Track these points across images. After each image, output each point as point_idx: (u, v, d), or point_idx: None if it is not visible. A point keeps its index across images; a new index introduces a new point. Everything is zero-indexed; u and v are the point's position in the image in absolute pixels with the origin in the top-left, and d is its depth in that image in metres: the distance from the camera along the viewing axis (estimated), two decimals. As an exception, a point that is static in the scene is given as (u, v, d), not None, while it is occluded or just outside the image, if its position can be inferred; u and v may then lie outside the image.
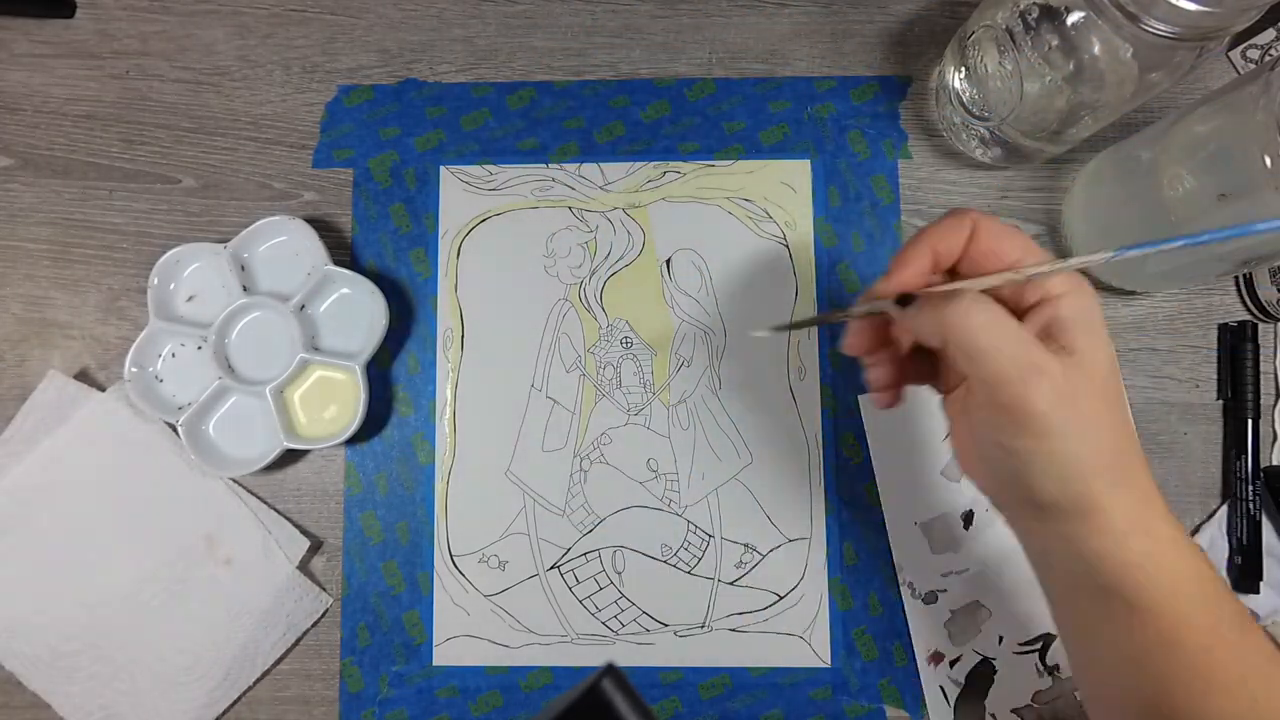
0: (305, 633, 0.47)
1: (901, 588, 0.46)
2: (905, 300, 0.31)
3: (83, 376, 0.48)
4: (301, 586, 0.47)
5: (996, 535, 0.47)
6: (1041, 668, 0.44)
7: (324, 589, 0.47)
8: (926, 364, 0.34)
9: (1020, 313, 0.30)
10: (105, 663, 0.46)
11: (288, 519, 0.47)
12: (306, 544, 0.47)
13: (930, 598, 0.46)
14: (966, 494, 0.47)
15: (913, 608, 0.46)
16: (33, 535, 0.47)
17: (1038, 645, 0.46)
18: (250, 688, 0.46)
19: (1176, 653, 0.29)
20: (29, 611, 0.46)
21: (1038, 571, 0.33)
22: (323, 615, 0.47)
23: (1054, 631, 0.41)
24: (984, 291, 0.30)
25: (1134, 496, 0.29)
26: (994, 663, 0.46)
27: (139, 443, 0.47)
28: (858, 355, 0.34)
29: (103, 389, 0.48)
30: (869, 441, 0.47)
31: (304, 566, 0.47)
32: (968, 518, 0.47)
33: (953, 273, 0.32)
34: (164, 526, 0.47)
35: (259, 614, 0.46)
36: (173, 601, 0.46)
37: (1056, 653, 0.46)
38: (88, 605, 0.46)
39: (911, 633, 0.46)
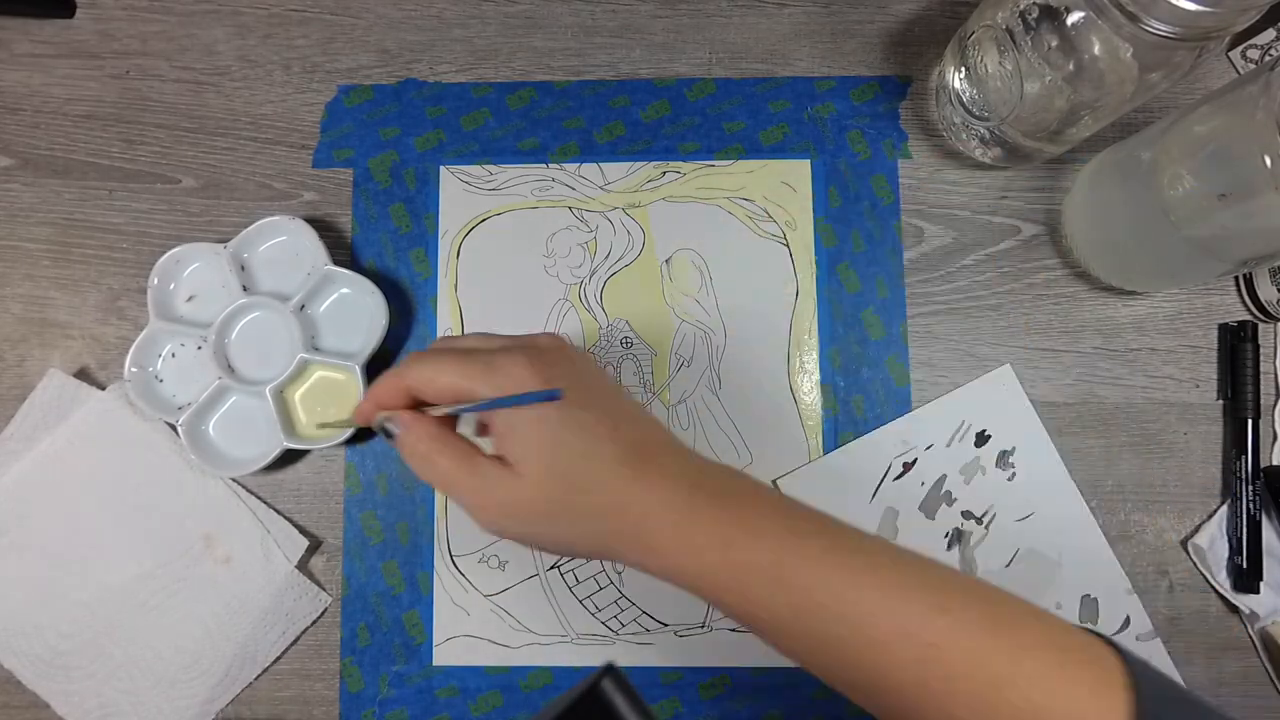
0: (304, 632, 0.47)
1: None
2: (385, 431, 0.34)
3: (83, 376, 0.48)
4: (300, 586, 0.47)
5: (987, 547, 0.46)
6: None
7: (324, 589, 0.47)
8: None
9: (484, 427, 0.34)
10: (104, 661, 0.46)
11: (287, 519, 0.47)
12: (305, 543, 0.47)
13: None
14: (951, 519, 0.47)
15: None
16: (32, 534, 0.47)
17: None
18: (249, 686, 0.46)
19: (741, 621, 0.32)
20: (28, 610, 0.46)
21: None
22: (321, 614, 0.47)
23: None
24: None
25: (633, 544, 0.32)
26: None
27: (139, 442, 0.47)
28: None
29: (103, 388, 0.48)
30: None
31: (303, 566, 0.47)
32: (954, 535, 0.47)
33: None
34: (163, 525, 0.47)
35: (258, 613, 0.46)
36: (172, 600, 0.46)
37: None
38: (87, 603, 0.46)
39: None
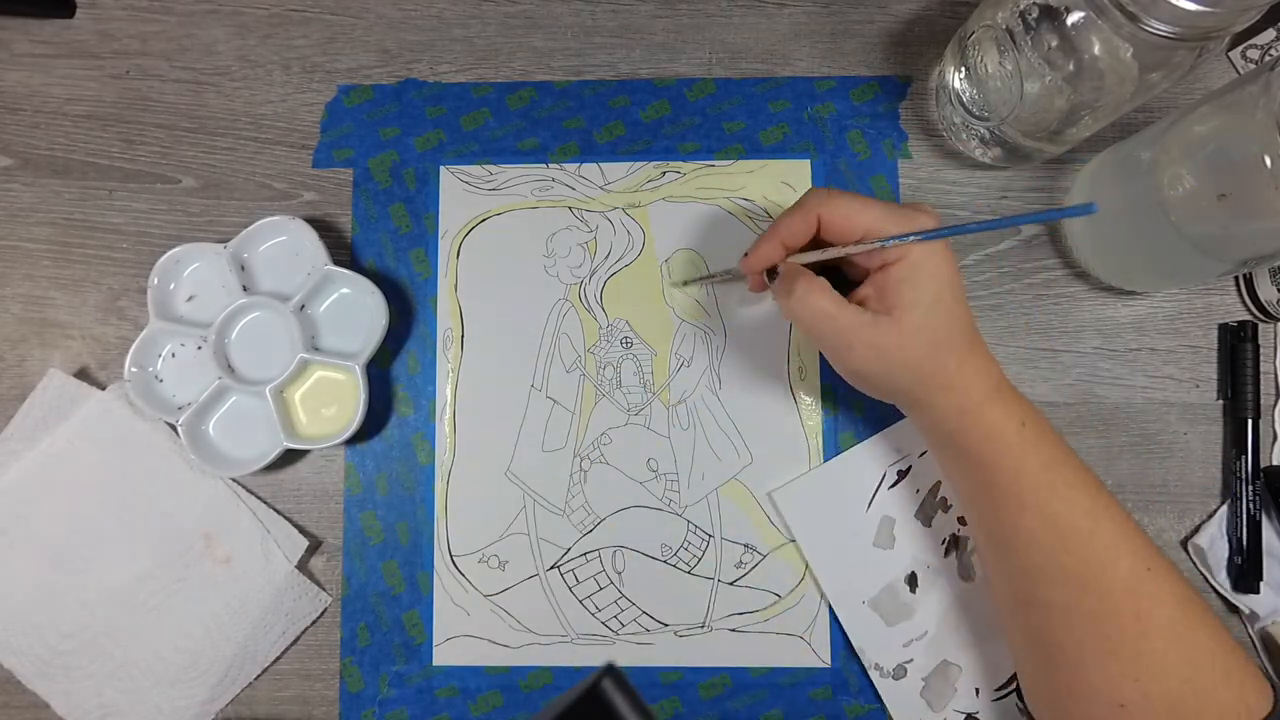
0: (304, 632, 0.47)
1: (870, 671, 0.45)
2: (770, 273, 0.40)
3: (83, 376, 0.48)
4: (300, 586, 0.47)
5: (942, 588, 0.46)
6: (1021, 707, 0.43)
7: (324, 588, 0.47)
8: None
9: (870, 273, 0.38)
10: (104, 661, 0.46)
11: (287, 518, 0.47)
12: (305, 543, 0.47)
13: (899, 672, 0.45)
14: (904, 555, 0.46)
15: (885, 688, 0.45)
16: (32, 533, 0.47)
17: (1012, 686, 0.45)
18: (249, 686, 0.46)
19: (994, 488, 0.38)
20: (28, 610, 0.46)
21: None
22: (321, 614, 0.47)
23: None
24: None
25: (953, 394, 0.38)
26: (978, 716, 0.45)
27: (139, 441, 0.47)
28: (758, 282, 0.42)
29: (103, 388, 0.48)
30: (795, 537, 0.46)
31: (303, 566, 0.47)
32: (911, 580, 0.46)
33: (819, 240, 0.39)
34: (163, 525, 0.47)
35: (258, 612, 0.46)
36: (172, 600, 0.46)
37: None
38: (87, 603, 0.46)
39: (891, 713, 0.45)
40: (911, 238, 0.36)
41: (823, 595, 0.46)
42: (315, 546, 0.48)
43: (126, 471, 0.47)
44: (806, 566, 0.47)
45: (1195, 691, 0.34)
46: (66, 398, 0.47)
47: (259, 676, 0.46)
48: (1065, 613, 0.36)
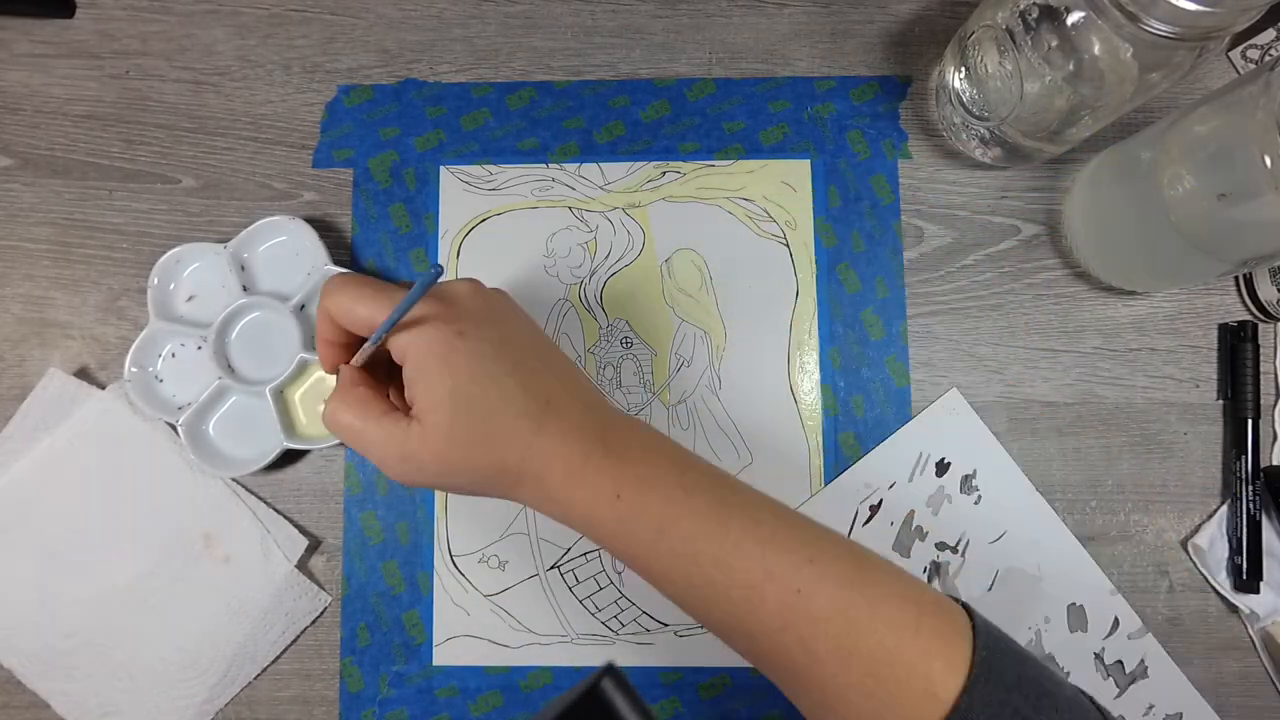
0: (303, 631, 0.47)
1: None
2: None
3: (83, 376, 0.48)
4: (300, 585, 0.47)
5: (966, 575, 0.46)
6: None
7: (324, 588, 0.47)
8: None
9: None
10: (104, 660, 0.46)
11: (287, 518, 0.47)
12: (305, 543, 0.47)
13: None
14: (926, 553, 0.46)
15: None
16: (32, 533, 0.47)
17: None
18: (249, 685, 0.46)
19: (627, 561, 0.34)
20: (28, 609, 0.46)
21: None
22: (321, 614, 0.47)
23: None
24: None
25: (530, 487, 0.33)
26: None
27: (138, 441, 0.47)
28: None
29: (103, 388, 0.48)
30: None
31: (303, 566, 0.47)
32: (933, 569, 0.46)
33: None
34: (163, 525, 0.47)
35: (258, 612, 0.46)
36: (172, 599, 0.46)
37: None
38: (87, 603, 0.46)
39: None
40: (378, 334, 0.32)
41: None
42: (315, 546, 0.48)
43: (126, 471, 0.47)
44: None
45: (882, 705, 0.31)
46: (66, 398, 0.47)
47: (258, 676, 0.46)
48: (754, 659, 0.33)
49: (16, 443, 0.47)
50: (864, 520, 0.47)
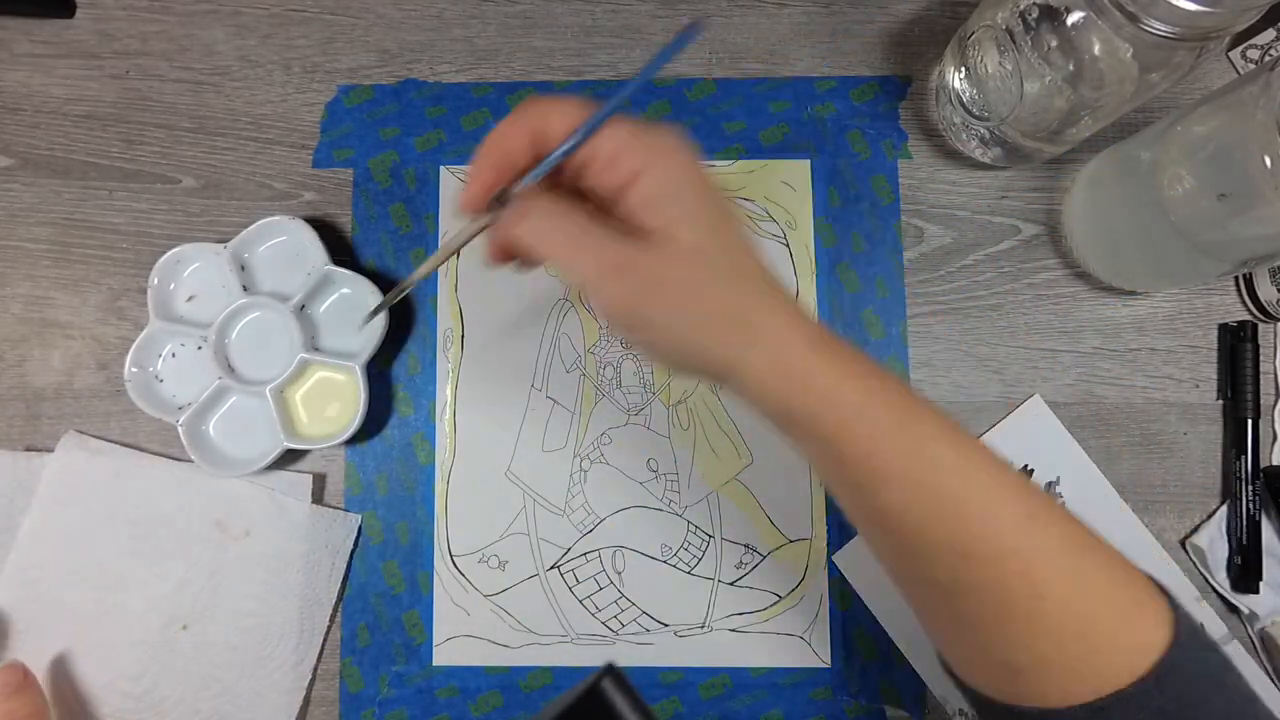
0: (352, 556, 0.47)
1: (954, 718, 0.45)
2: (501, 198, 0.30)
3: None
4: (325, 516, 0.47)
5: None
6: (942, 663, 0.42)
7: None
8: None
9: (616, 196, 0.29)
10: (186, 680, 0.46)
11: (280, 469, 0.47)
12: (309, 479, 0.47)
13: None
14: None
15: None
16: (59, 608, 0.46)
17: None
18: (329, 631, 0.46)
19: (847, 464, 0.30)
20: (90, 676, 0.46)
21: (760, 418, 0.33)
22: (359, 535, 0.47)
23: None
24: (576, 188, 0.29)
25: (768, 349, 0.29)
26: None
27: (109, 474, 0.47)
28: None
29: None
30: (861, 595, 0.46)
31: (318, 500, 0.47)
32: None
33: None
34: (171, 536, 0.47)
35: (299, 559, 0.46)
36: (217, 594, 0.46)
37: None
38: (141, 641, 0.46)
39: None
40: (588, 125, 0.28)
41: (902, 654, 0.46)
42: (320, 479, 0.48)
43: (113, 508, 0.47)
44: (852, 602, 0.46)
45: (1091, 649, 0.30)
46: (20, 473, 0.47)
47: (334, 619, 0.46)
48: (951, 588, 0.31)
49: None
50: None
